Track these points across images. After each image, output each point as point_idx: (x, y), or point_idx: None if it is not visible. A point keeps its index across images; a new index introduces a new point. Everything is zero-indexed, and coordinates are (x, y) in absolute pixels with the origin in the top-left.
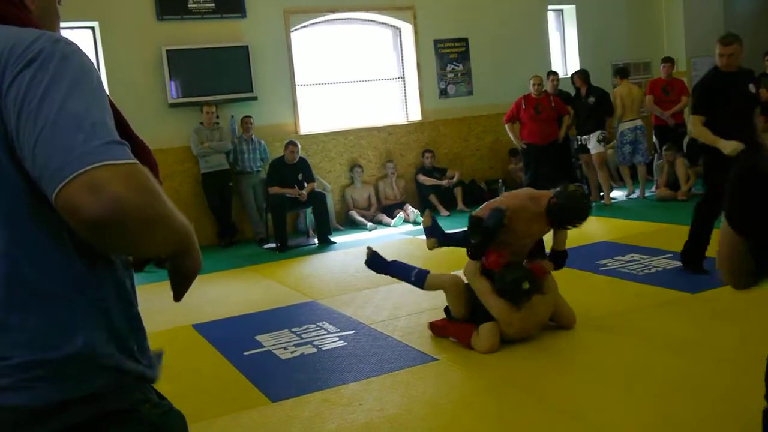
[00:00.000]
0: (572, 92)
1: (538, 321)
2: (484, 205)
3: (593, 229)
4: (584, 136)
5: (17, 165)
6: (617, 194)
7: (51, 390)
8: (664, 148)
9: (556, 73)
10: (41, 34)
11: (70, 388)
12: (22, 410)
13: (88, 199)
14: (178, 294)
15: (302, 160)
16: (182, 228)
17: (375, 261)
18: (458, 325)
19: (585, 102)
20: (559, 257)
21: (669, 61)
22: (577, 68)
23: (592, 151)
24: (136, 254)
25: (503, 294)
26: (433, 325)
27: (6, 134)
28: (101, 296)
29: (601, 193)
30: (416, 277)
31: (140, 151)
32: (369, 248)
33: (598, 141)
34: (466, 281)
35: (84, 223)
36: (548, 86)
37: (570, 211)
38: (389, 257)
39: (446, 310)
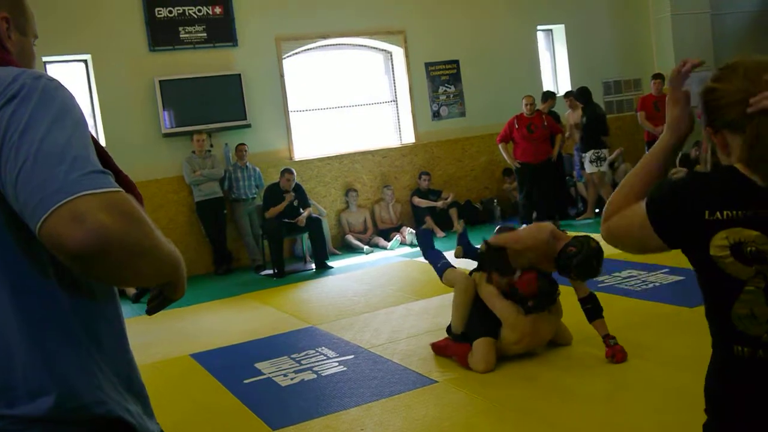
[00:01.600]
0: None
1: (542, 338)
2: (507, 235)
3: None
4: (585, 154)
5: (1, 200)
6: None
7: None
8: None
9: (553, 97)
10: (22, 71)
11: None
12: None
13: (72, 230)
14: (154, 310)
15: (297, 186)
16: (170, 257)
17: (424, 239)
18: (458, 345)
19: (580, 121)
20: (588, 302)
21: (659, 77)
22: (569, 86)
23: (588, 171)
24: (125, 284)
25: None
26: (435, 346)
27: None
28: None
29: (597, 210)
30: (440, 267)
31: (124, 185)
32: (426, 224)
33: (590, 162)
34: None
35: (69, 254)
36: (542, 107)
37: (584, 267)
38: (387, 280)
39: (448, 329)
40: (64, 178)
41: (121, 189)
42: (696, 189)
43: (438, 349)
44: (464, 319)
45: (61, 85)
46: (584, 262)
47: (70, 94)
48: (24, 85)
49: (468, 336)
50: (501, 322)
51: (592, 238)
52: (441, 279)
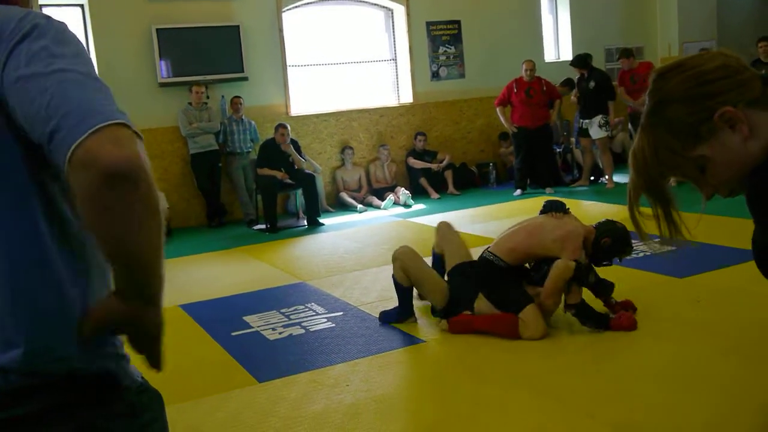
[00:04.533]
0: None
1: None
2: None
3: (586, 213)
4: (585, 120)
5: (17, 139)
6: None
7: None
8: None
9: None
10: (29, 11)
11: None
12: None
13: (110, 148)
14: (154, 359)
15: (293, 142)
16: (162, 237)
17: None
18: (491, 317)
19: (586, 86)
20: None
21: (624, 55)
22: (570, 52)
23: (594, 137)
24: (128, 234)
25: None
26: (454, 323)
27: (8, 115)
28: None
29: (602, 178)
30: (399, 311)
31: None
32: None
33: (600, 126)
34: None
35: (103, 170)
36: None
37: (626, 250)
38: (379, 239)
39: (433, 310)
40: (103, 106)
41: None
42: None
43: (460, 325)
44: (440, 285)
45: (68, 28)
46: (626, 248)
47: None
48: (37, 23)
49: (508, 306)
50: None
51: (611, 221)
52: (400, 288)
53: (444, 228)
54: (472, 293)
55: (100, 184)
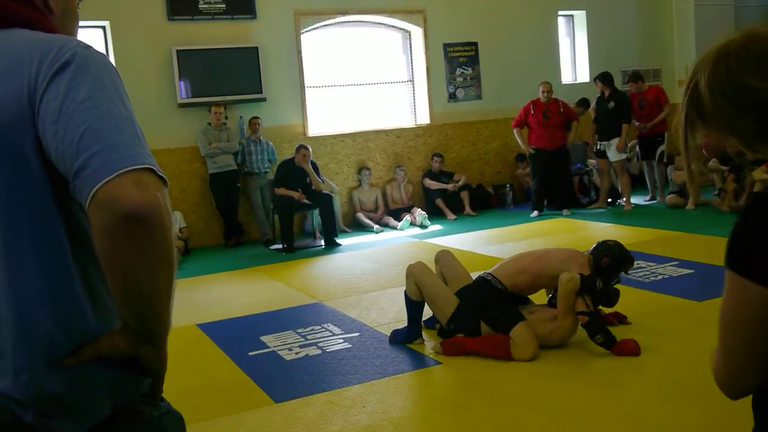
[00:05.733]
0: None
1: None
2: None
3: (602, 235)
4: (603, 142)
5: (47, 171)
6: (634, 200)
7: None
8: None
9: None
10: (70, 40)
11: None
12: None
13: (133, 191)
14: (153, 390)
15: (312, 164)
16: (172, 283)
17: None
18: (483, 338)
19: (605, 106)
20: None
21: (633, 79)
22: (587, 74)
23: (612, 159)
24: (136, 277)
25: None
26: (446, 345)
27: (38, 139)
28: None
29: (619, 201)
30: (408, 330)
31: None
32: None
33: (616, 148)
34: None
35: (121, 211)
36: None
37: (628, 264)
38: (396, 260)
39: (440, 331)
40: (132, 148)
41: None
42: None
43: (451, 347)
44: (452, 302)
45: (108, 59)
46: (627, 261)
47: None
48: (76, 53)
49: (498, 325)
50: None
51: (602, 242)
52: (411, 304)
53: (444, 256)
54: (475, 320)
55: (116, 223)
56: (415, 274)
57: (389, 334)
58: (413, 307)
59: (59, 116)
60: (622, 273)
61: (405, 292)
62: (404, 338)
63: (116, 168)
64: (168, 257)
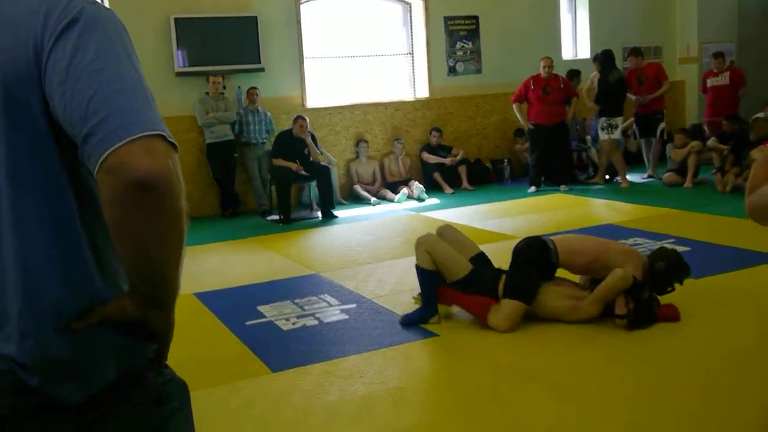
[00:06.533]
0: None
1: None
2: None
3: (600, 211)
4: (603, 119)
5: (54, 132)
6: (631, 177)
7: None
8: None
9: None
10: None
11: None
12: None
13: (143, 158)
14: (159, 355)
15: (310, 135)
16: (181, 250)
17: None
18: (472, 297)
19: (609, 82)
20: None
21: (634, 54)
22: (588, 50)
23: (602, 138)
24: (145, 245)
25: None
26: (441, 293)
27: (45, 99)
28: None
29: (616, 178)
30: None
31: None
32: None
33: (602, 129)
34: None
35: (130, 178)
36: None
37: (684, 273)
38: (393, 233)
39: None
40: (142, 113)
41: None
42: None
43: (445, 297)
44: (464, 262)
45: (115, 14)
46: (683, 269)
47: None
48: (83, 9)
49: (484, 289)
50: (537, 291)
51: (662, 247)
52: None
53: (447, 230)
54: (495, 277)
55: (126, 190)
56: (425, 242)
57: (400, 318)
58: (427, 278)
59: (66, 77)
60: (677, 283)
61: (416, 265)
62: (420, 318)
63: (126, 134)
64: (178, 224)
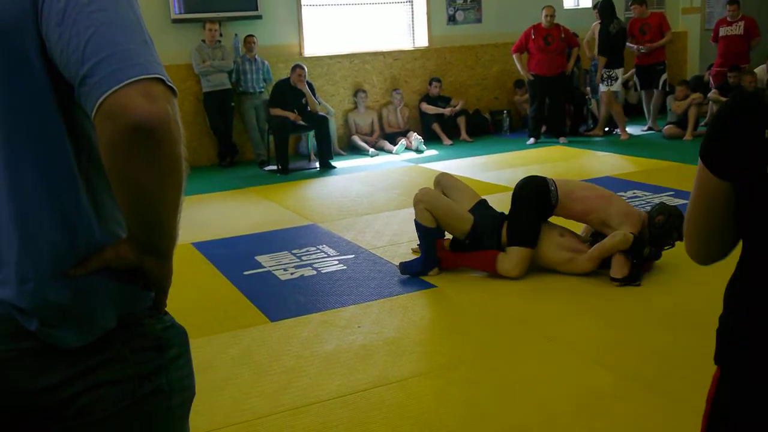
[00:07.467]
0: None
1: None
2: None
3: (599, 164)
4: (606, 69)
5: (50, 75)
6: (631, 130)
7: None
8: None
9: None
10: None
11: None
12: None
13: (141, 102)
14: (157, 304)
15: (308, 84)
16: (180, 197)
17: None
18: (474, 253)
19: (610, 32)
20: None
21: (638, 2)
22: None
23: (601, 89)
24: (144, 190)
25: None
26: (443, 257)
27: (41, 41)
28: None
29: (616, 130)
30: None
31: None
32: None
33: (601, 80)
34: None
35: (129, 123)
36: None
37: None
38: (391, 184)
39: (452, 244)
40: (141, 55)
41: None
42: (752, 108)
43: (447, 261)
44: (466, 216)
45: None
46: (683, 222)
47: None
48: None
49: (487, 243)
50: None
51: (661, 203)
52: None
53: (445, 178)
54: (498, 224)
55: (123, 135)
56: (424, 200)
57: (398, 266)
58: (427, 234)
59: (63, 19)
60: (677, 238)
61: (416, 221)
62: (419, 269)
63: (124, 77)
64: (177, 170)
